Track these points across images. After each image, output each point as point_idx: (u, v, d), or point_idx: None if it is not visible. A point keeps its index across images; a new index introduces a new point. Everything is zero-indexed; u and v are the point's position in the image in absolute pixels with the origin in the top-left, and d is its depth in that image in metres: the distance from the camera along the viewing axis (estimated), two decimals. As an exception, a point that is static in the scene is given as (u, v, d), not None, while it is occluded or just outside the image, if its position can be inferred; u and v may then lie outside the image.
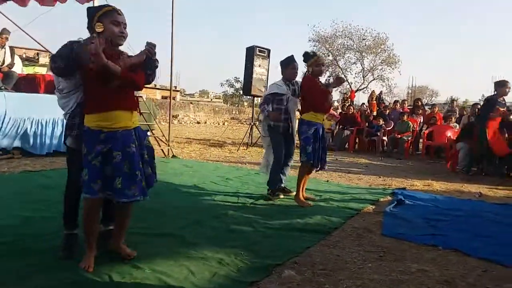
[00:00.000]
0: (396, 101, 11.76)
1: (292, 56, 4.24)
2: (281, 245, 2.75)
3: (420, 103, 10.94)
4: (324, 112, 4.09)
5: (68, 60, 2.11)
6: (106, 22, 2.14)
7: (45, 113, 6.07)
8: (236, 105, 35.99)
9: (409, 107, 11.38)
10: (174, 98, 19.28)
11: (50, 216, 3.02)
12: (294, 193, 4.17)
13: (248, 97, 14.09)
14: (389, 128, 9.91)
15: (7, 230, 2.74)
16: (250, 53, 9.30)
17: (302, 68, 4.50)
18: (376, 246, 2.85)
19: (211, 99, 42.30)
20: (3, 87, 6.30)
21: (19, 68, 7.37)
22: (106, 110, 2.14)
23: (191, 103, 25.38)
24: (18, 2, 6.56)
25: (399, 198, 4.28)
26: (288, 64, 4.18)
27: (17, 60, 7.27)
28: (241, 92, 22.50)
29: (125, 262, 2.31)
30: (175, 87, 23.50)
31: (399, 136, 9.29)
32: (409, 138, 9.34)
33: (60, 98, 2.37)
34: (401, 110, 10.44)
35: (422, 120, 10.25)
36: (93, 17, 2.17)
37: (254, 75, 9.19)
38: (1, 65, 6.67)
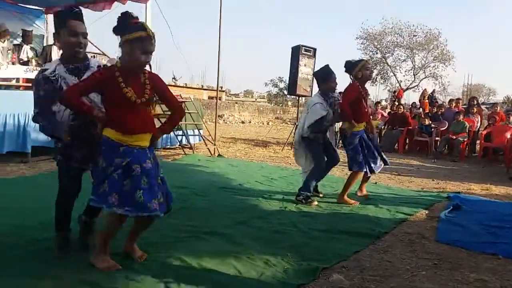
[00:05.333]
0: (451, 100, 11.15)
1: (328, 66, 4.05)
2: (327, 248, 2.70)
3: (475, 102, 10.28)
4: (364, 121, 3.99)
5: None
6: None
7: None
8: (280, 104, 35.89)
9: (463, 106, 10.71)
10: (220, 98, 19.60)
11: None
12: (322, 195, 4.23)
13: (292, 96, 13.98)
14: (443, 129, 9.41)
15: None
16: (296, 52, 9.19)
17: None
18: (430, 253, 2.71)
19: (256, 99, 42.49)
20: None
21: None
22: (132, 133, 2.14)
23: (236, 103, 25.66)
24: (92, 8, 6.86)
25: (455, 202, 4.04)
26: (328, 78, 3.97)
27: None
28: (285, 91, 22.36)
29: (174, 258, 2.37)
30: (221, 87, 23.89)
31: (454, 137, 8.78)
32: (465, 139, 8.81)
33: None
34: (456, 110, 9.87)
35: (479, 120, 9.62)
36: None
37: (299, 75, 9.07)
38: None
